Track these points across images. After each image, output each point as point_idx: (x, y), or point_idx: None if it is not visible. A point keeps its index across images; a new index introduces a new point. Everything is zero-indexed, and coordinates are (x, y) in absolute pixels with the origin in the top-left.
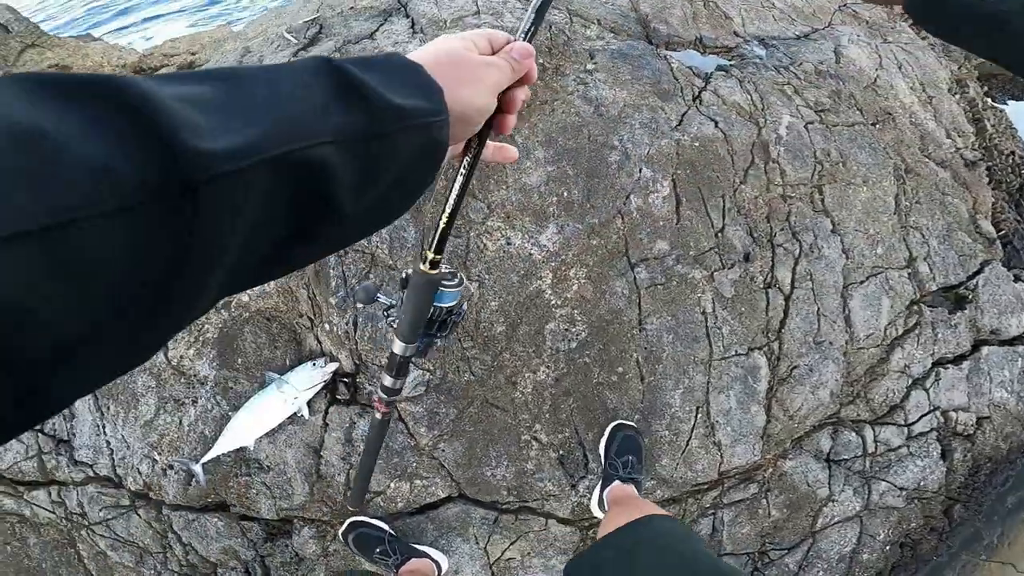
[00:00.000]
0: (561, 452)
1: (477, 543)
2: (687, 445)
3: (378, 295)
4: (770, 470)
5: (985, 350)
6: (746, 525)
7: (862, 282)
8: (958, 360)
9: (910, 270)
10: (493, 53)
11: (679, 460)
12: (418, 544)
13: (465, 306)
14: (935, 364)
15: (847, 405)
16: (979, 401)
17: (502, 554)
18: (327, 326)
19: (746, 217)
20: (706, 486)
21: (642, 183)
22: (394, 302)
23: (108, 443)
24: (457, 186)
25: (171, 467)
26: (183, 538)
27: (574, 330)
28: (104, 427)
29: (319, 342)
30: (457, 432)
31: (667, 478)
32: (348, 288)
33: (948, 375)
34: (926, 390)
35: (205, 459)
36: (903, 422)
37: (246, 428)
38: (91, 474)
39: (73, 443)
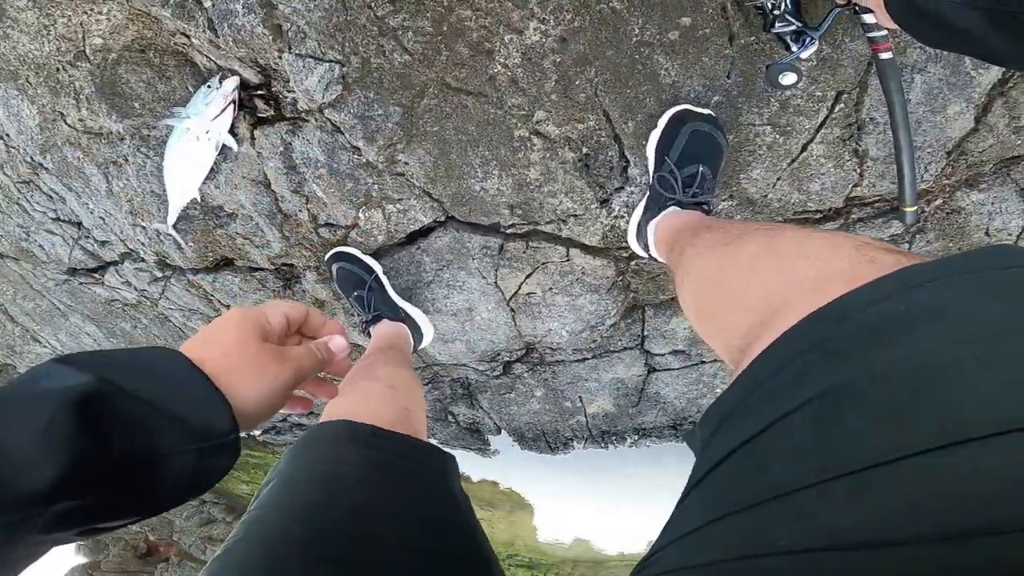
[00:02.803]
0: (583, 150)
1: (483, 277)
2: (804, 151)
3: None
4: (938, 201)
5: None
6: None
7: None
8: None
9: None
10: (291, 332)
11: (783, 173)
12: (405, 304)
13: None
14: None
15: None
16: None
17: (518, 288)
18: (192, 40)
19: None
20: (818, 216)
21: None
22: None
23: (102, 219)
24: None
25: (158, 233)
26: (219, 298)
27: None
28: (88, 205)
29: (209, 58)
30: (415, 135)
31: (753, 198)
32: None
33: None
34: None
35: (170, 221)
36: None
37: (180, 180)
38: (118, 252)
39: (84, 225)
